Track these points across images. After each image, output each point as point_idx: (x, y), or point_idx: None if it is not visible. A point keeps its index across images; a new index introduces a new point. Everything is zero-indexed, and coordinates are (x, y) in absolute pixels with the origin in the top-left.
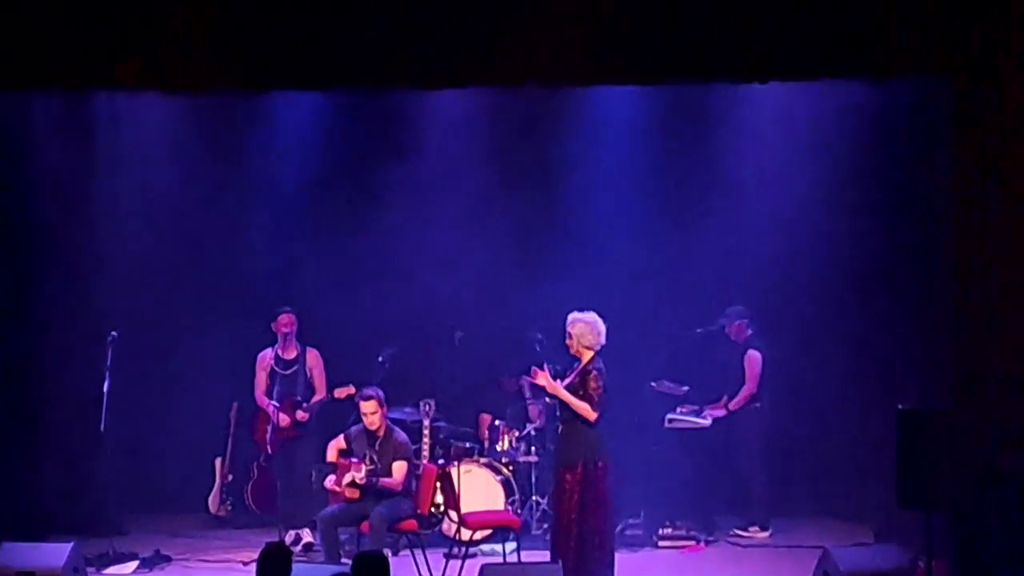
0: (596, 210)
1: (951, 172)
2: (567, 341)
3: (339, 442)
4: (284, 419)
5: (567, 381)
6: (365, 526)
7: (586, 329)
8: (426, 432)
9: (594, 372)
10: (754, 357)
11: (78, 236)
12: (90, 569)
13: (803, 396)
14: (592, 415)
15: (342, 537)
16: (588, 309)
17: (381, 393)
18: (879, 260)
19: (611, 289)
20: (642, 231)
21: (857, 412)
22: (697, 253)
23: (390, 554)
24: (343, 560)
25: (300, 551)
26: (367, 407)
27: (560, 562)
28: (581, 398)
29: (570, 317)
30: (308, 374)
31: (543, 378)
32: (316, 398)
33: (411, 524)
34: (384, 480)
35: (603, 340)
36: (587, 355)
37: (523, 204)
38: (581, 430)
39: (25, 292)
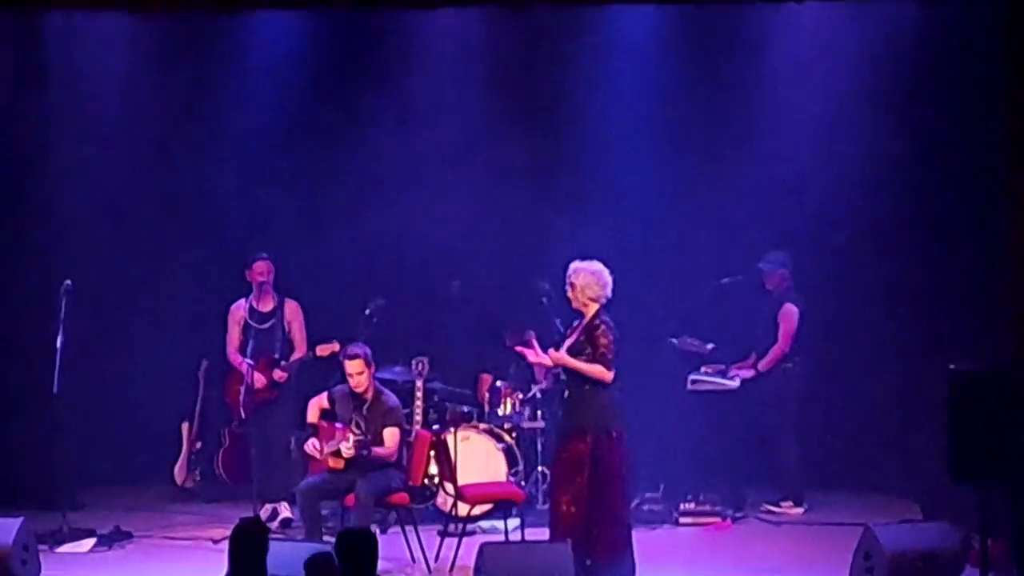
0: (610, 144)
1: (1006, 98)
2: (569, 293)
3: (321, 401)
4: (259, 379)
5: (570, 341)
6: (350, 500)
7: (591, 280)
8: (419, 394)
9: (602, 327)
10: (790, 312)
11: (26, 175)
12: (42, 547)
13: (843, 355)
14: (608, 375)
15: (324, 512)
16: (601, 256)
17: (368, 351)
18: (928, 201)
19: (627, 234)
20: (663, 168)
21: (904, 373)
22: (725, 193)
23: (378, 531)
24: (325, 538)
25: (277, 527)
26: (353, 366)
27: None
28: (590, 359)
29: (572, 266)
30: (286, 328)
31: (537, 355)
32: (295, 356)
33: (402, 498)
34: (376, 450)
35: (609, 292)
36: (592, 308)
37: (527, 138)
38: (592, 394)
39: None
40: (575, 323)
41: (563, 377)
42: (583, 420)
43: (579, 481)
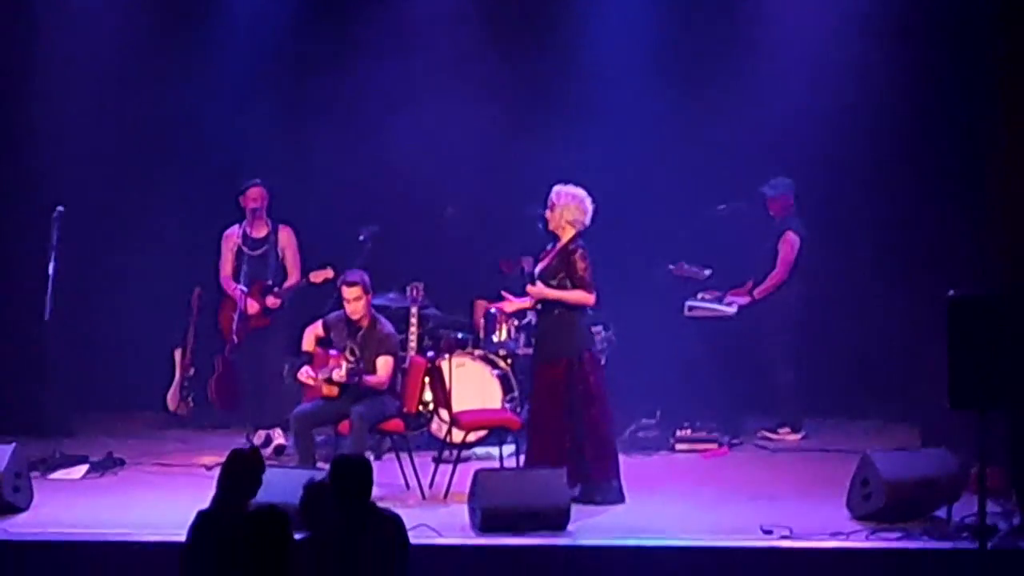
0: (607, 67)
1: (1000, 26)
2: (548, 213)
3: (316, 328)
4: (253, 306)
5: (542, 265)
6: (344, 426)
7: (572, 203)
8: (413, 320)
9: (579, 251)
10: (791, 240)
11: (17, 100)
12: (34, 474)
13: (841, 282)
14: (590, 298)
15: (318, 439)
16: (597, 181)
17: (367, 278)
18: (926, 133)
19: (624, 158)
20: (661, 91)
21: (902, 300)
22: (722, 118)
23: (372, 457)
24: (319, 465)
25: (271, 454)
26: (350, 293)
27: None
28: (563, 283)
29: (555, 189)
30: (280, 255)
31: (513, 302)
32: (289, 282)
33: (396, 424)
34: (368, 378)
35: (588, 220)
36: (569, 232)
37: (521, 62)
38: (569, 320)
39: None
40: (548, 247)
41: (539, 306)
42: (556, 346)
43: (557, 407)
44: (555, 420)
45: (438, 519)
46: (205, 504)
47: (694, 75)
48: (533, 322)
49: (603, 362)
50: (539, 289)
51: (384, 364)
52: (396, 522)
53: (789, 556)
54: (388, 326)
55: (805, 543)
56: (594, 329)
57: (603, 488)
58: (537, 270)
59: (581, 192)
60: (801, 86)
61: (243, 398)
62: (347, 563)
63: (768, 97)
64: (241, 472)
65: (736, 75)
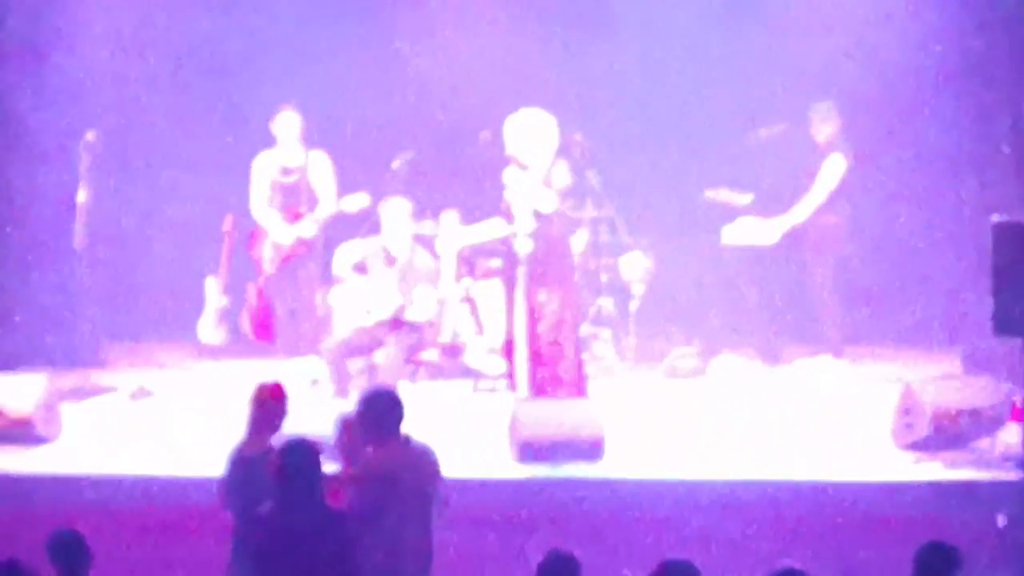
0: None
1: None
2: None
3: (350, 252)
4: (286, 233)
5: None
6: (379, 356)
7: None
8: (448, 248)
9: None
10: (835, 162)
11: (46, 23)
12: (64, 404)
13: (884, 209)
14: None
15: (353, 369)
16: (633, 106)
17: (410, 205)
18: (977, 61)
19: (663, 81)
20: (702, 13)
21: (945, 225)
22: (768, 39)
23: (408, 387)
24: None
25: (306, 385)
26: (392, 214)
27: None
28: None
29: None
30: (313, 182)
31: None
32: (323, 210)
33: (431, 354)
34: (406, 311)
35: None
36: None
37: None
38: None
39: None
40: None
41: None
42: (560, 268)
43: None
44: (558, 346)
45: (474, 450)
46: (235, 437)
47: None
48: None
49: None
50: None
51: (424, 295)
52: (427, 453)
53: (832, 488)
54: (427, 255)
55: (848, 474)
56: (631, 256)
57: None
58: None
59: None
60: (851, 12)
61: (276, 328)
62: (383, 495)
63: (816, 20)
64: (268, 405)
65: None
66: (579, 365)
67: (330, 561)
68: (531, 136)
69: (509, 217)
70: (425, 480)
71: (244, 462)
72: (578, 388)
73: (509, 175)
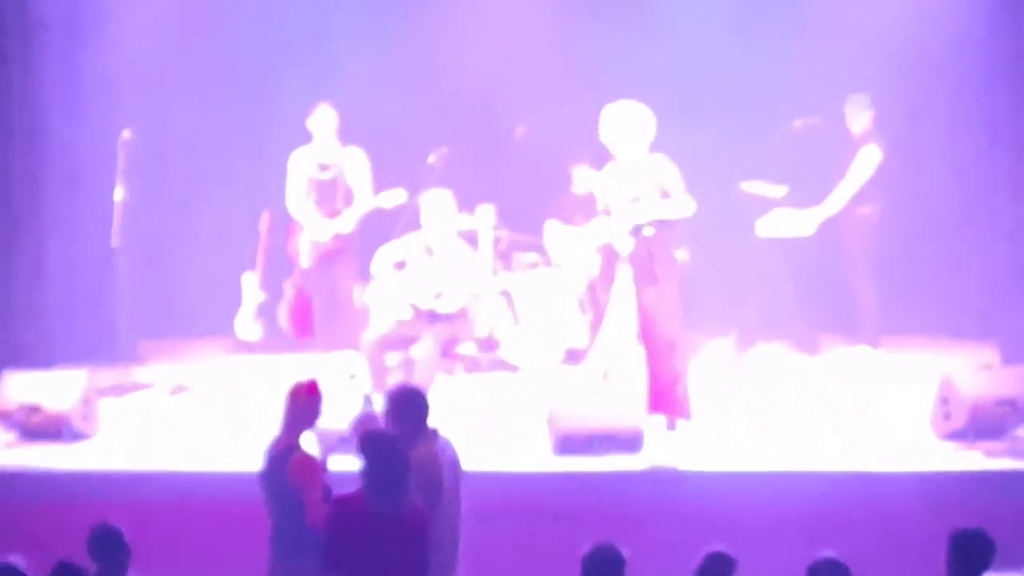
0: None
1: None
2: (605, 139)
3: (392, 252)
4: (322, 230)
5: (625, 187)
6: (416, 350)
7: (638, 120)
8: (485, 243)
9: (666, 160)
10: (868, 152)
11: (83, 23)
12: (103, 400)
13: (920, 200)
14: (693, 205)
15: (390, 364)
16: (668, 98)
17: (452, 200)
18: (1011, 51)
19: (698, 73)
20: (731, 4)
21: (981, 215)
22: (803, 31)
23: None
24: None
25: (343, 380)
26: (433, 206)
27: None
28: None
29: (611, 109)
30: (349, 178)
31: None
32: (359, 206)
33: (468, 348)
34: (446, 304)
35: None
36: (644, 150)
37: None
38: (673, 237)
39: (25, 83)
40: (610, 170)
41: (626, 231)
42: (666, 267)
43: (674, 332)
44: (670, 343)
45: (512, 443)
46: (272, 432)
47: None
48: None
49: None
50: (641, 212)
51: (461, 285)
52: (451, 445)
53: (870, 478)
54: (466, 247)
55: (886, 464)
56: None
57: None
58: (623, 198)
59: (639, 105)
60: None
61: (314, 323)
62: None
63: (849, 12)
64: (302, 403)
65: None
66: (685, 378)
67: (409, 551)
68: (628, 128)
69: (606, 214)
70: (455, 473)
71: (278, 458)
72: (686, 408)
73: (606, 173)
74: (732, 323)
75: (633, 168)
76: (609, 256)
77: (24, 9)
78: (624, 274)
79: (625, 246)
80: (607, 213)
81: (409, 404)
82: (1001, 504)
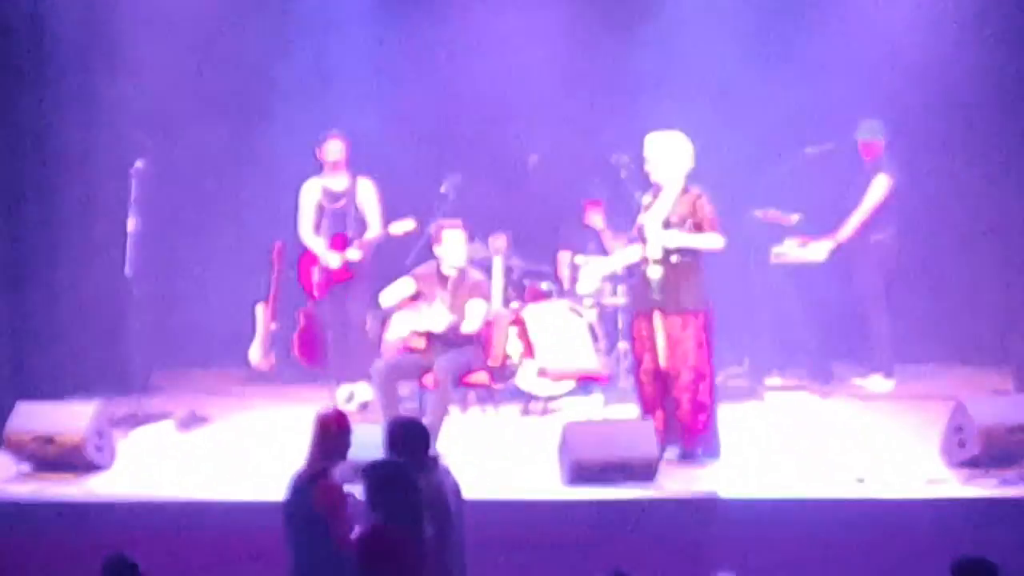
0: (691, 7)
1: None
2: (647, 167)
3: (404, 286)
4: (334, 259)
5: (666, 215)
6: (428, 380)
7: (675, 149)
8: (497, 271)
9: (703, 195)
10: (881, 181)
11: (98, 55)
12: (116, 432)
13: (934, 225)
14: (722, 240)
15: (402, 393)
16: (679, 125)
17: (464, 235)
18: None
19: (710, 101)
20: (747, 32)
21: (997, 242)
22: (811, 57)
23: (459, 411)
24: None
25: (355, 410)
26: (453, 239)
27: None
28: (693, 229)
29: (653, 137)
30: (360, 207)
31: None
32: (370, 235)
33: (481, 377)
34: (461, 327)
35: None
36: (680, 178)
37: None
38: (694, 268)
39: (40, 114)
40: (649, 197)
41: (655, 257)
42: (694, 295)
43: (702, 360)
44: (696, 372)
45: (525, 473)
46: (287, 461)
47: (787, 12)
48: (619, 272)
49: None
50: (673, 236)
51: (475, 308)
52: (451, 472)
53: (883, 506)
54: (478, 274)
55: (900, 492)
56: None
57: (707, 440)
58: (657, 222)
59: (680, 135)
60: (896, 27)
61: (326, 353)
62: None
63: (861, 39)
64: (333, 434)
65: (829, 15)
66: (711, 411)
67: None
68: (668, 157)
69: (641, 239)
70: (458, 501)
71: (303, 487)
72: (711, 443)
73: (647, 199)
74: (745, 351)
75: (668, 196)
76: (638, 282)
77: (41, 35)
78: (650, 300)
79: (654, 270)
80: (640, 238)
81: (409, 435)
82: (1015, 532)
